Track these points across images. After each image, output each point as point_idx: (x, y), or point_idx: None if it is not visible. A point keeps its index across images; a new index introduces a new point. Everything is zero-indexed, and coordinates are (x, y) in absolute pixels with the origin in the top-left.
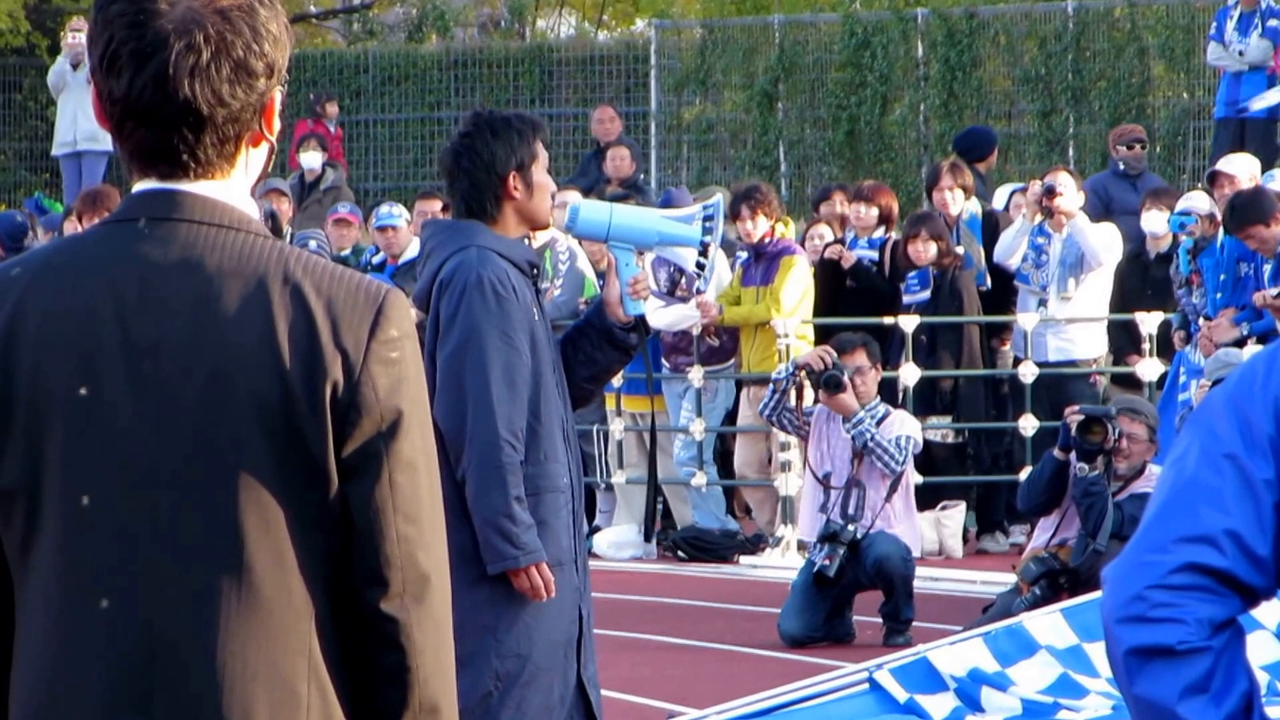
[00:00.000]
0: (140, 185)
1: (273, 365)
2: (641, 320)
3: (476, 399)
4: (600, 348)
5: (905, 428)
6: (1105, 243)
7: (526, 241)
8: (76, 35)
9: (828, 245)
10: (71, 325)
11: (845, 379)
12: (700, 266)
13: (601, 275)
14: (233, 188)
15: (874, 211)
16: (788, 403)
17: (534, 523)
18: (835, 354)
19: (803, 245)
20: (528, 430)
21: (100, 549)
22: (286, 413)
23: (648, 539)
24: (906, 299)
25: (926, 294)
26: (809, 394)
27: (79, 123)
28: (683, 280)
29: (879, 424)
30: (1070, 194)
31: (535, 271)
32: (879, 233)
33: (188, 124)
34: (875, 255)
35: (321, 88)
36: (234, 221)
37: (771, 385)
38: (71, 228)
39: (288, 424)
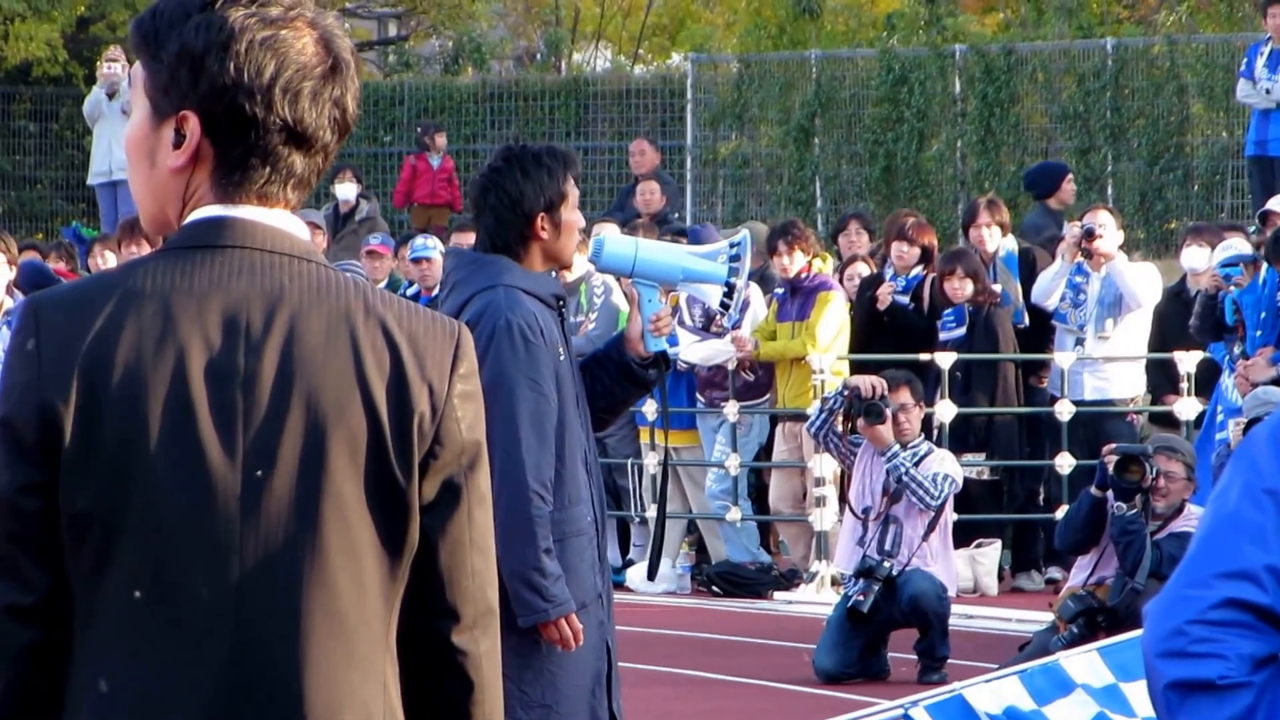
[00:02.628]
0: (206, 212)
1: (363, 397)
2: (661, 356)
3: (505, 449)
4: (618, 382)
5: (945, 466)
6: (1144, 284)
7: (553, 274)
8: (112, 65)
9: (864, 280)
10: (159, 354)
11: (887, 412)
12: (725, 305)
13: None
14: (294, 218)
15: (916, 251)
16: (835, 424)
17: (562, 573)
18: (886, 386)
19: (841, 279)
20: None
21: (187, 577)
22: (376, 445)
23: (650, 578)
24: (943, 335)
25: (962, 330)
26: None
27: (114, 152)
28: (718, 315)
29: (919, 462)
30: (1110, 233)
31: (561, 304)
32: (916, 271)
33: (308, 151)
34: (907, 300)
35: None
36: (303, 252)
37: (820, 402)
38: (98, 259)
39: (376, 456)
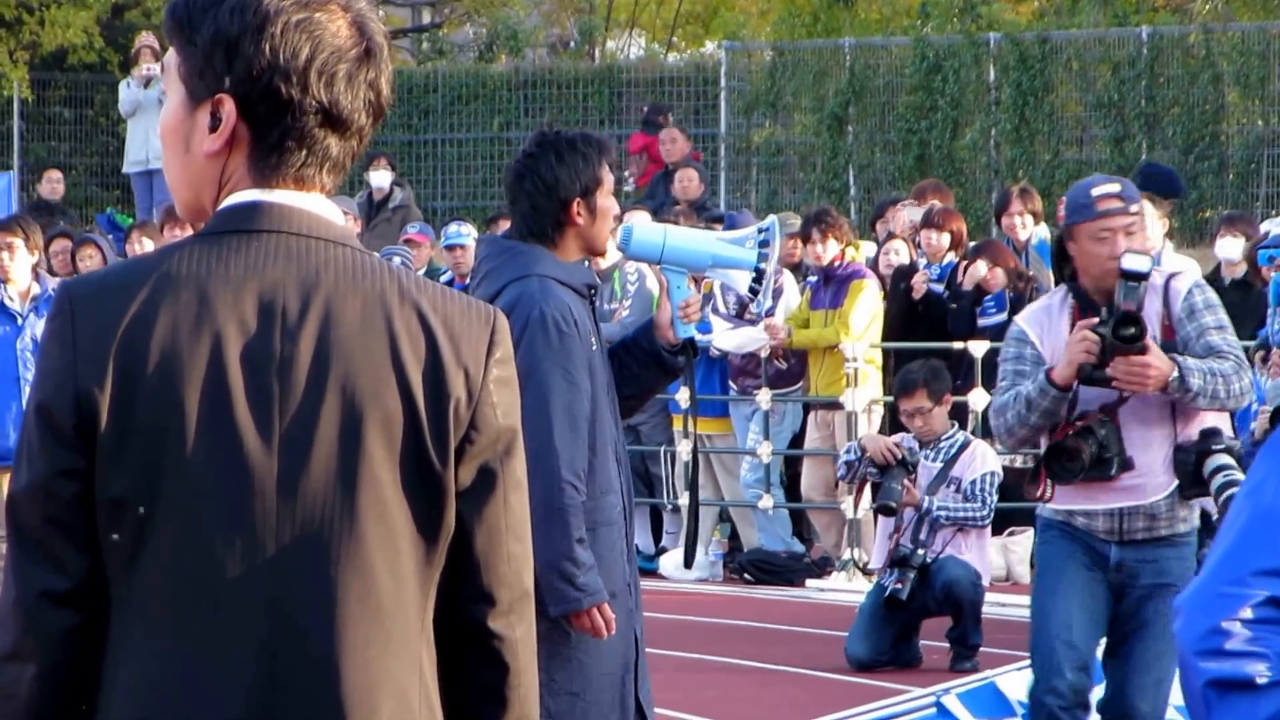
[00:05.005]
0: (242, 196)
1: (400, 382)
2: (690, 343)
3: (537, 439)
4: (647, 368)
5: (986, 464)
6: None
7: (586, 264)
8: (150, 68)
9: (897, 270)
10: (195, 339)
11: (900, 497)
12: (754, 291)
13: None
14: (329, 203)
15: (945, 238)
16: (860, 483)
17: (595, 563)
18: (903, 451)
19: (876, 264)
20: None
21: (223, 562)
22: (412, 430)
23: (687, 566)
24: (983, 321)
25: (1004, 316)
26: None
27: (151, 140)
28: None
29: (957, 454)
30: (1151, 223)
31: (593, 292)
32: (949, 258)
33: (343, 134)
34: (941, 288)
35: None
36: (339, 236)
37: (844, 461)
38: (135, 245)
39: (413, 441)
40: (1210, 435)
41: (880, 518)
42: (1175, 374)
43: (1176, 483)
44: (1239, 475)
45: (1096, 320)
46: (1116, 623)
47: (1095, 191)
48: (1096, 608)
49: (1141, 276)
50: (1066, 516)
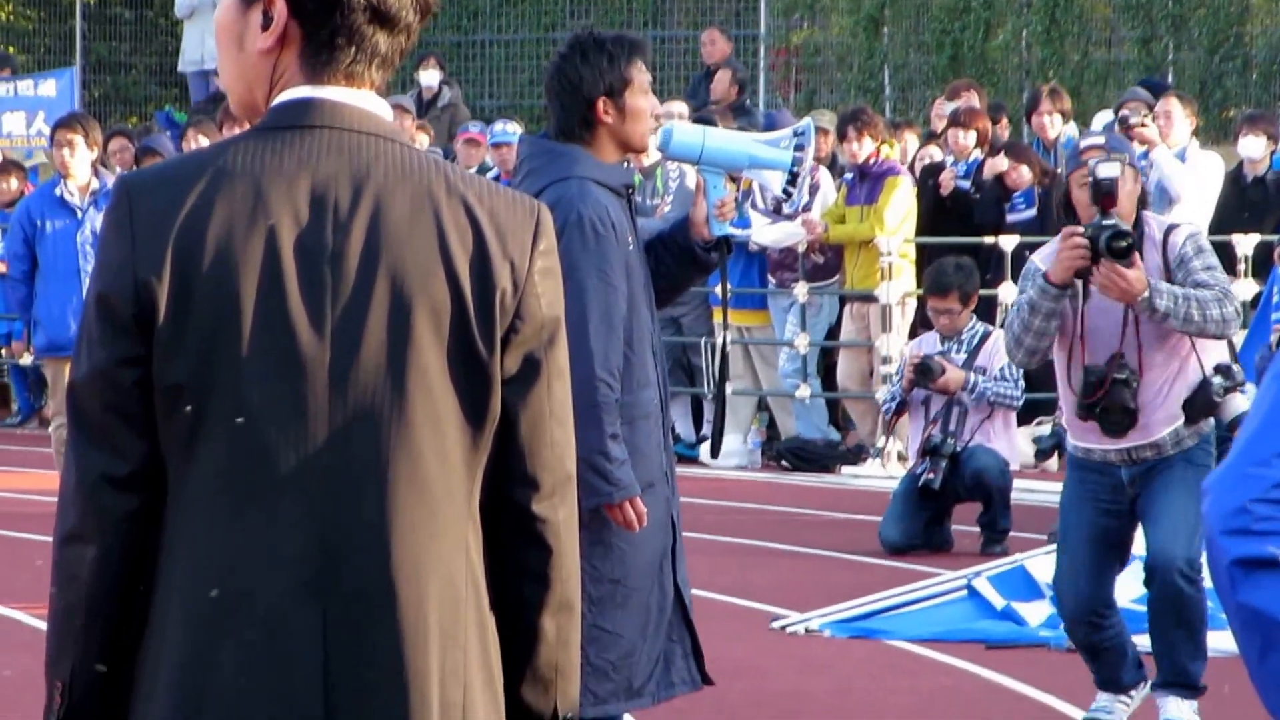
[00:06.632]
0: (294, 93)
1: (447, 273)
2: (723, 240)
3: (573, 338)
4: (681, 263)
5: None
6: (1182, 176)
7: (625, 165)
8: None
9: (924, 169)
10: (250, 231)
11: (939, 367)
12: (788, 192)
13: None
14: (379, 99)
15: (971, 136)
16: (905, 394)
17: (628, 458)
18: (919, 356)
19: (913, 166)
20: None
21: (276, 448)
22: (459, 319)
23: (714, 455)
24: (1011, 217)
25: (1032, 212)
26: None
27: (207, 41)
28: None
29: (979, 344)
30: (1178, 120)
31: (630, 191)
32: (974, 155)
33: (391, 30)
34: (968, 184)
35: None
36: (389, 132)
37: (886, 406)
38: (191, 142)
39: (459, 330)
40: (1224, 371)
41: (910, 414)
42: (1145, 294)
43: (1180, 418)
44: None
45: (1082, 229)
46: (1142, 501)
47: (1084, 144)
48: (1105, 547)
49: (1111, 180)
50: (1085, 453)
